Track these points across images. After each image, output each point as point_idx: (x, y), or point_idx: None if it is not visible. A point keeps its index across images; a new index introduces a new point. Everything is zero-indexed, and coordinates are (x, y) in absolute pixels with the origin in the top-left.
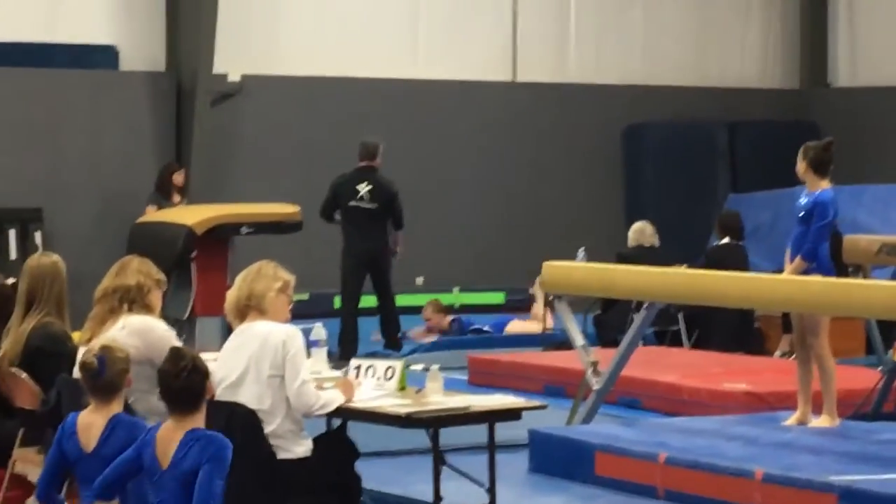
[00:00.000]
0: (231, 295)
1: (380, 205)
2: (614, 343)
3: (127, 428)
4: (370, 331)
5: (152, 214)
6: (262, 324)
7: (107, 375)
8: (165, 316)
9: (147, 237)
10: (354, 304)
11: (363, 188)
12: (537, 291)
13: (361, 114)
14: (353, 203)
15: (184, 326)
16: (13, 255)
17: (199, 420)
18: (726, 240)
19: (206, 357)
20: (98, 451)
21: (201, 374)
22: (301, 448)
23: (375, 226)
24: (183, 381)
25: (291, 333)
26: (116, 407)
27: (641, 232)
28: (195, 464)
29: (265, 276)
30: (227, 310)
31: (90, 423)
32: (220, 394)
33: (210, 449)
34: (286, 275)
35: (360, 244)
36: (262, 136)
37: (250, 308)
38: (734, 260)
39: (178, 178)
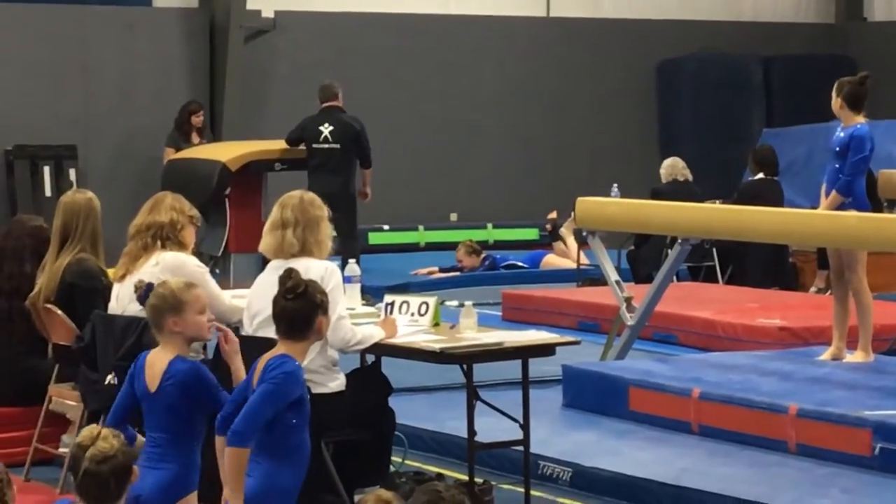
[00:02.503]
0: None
1: (343, 144)
2: (648, 279)
3: (185, 371)
4: (408, 267)
5: (187, 151)
6: (300, 261)
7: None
8: (200, 252)
9: (181, 174)
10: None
11: (325, 129)
12: (567, 229)
13: (394, 50)
14: (316, 145)
15: (218, 263)
16: (48, 191)
17: (297, 350)
18: (760, 175)
19: (237, 294)
20: (159, 391)
21: (310, 302)
22: (335, 383)
23: (338, 167)
24: (286, 304)
25: (330, 269)
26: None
27: (673, 167)
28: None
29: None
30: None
31: (154, 362)
32: (255, 328)
33: (272, 373)
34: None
35: (318, 187)
36: (296, 72)
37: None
38: (768, 195)
39: (197, 119)
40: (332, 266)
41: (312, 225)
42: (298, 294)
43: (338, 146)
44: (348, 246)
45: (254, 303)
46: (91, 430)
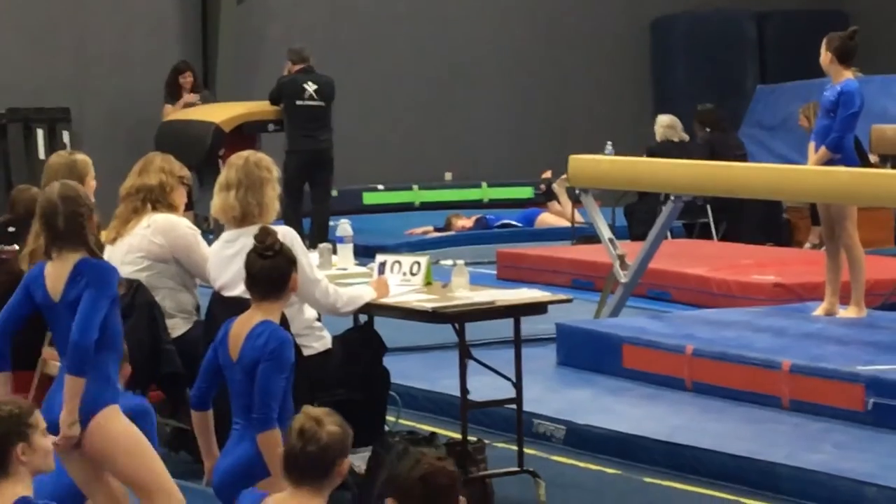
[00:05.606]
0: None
1: (327, 102)
2: (643, 237)
3: (91, 268)
4: (403, 226)
5: (182, 112)
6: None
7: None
8: (196, 213)
9: (175, 135)
10: (300, 204)
11: (309, 87)
12: (559, 186)
13: (388, 10)
14: (299, 102)
15: (213, 224)
16: (42, 155)
17: (275, 312)
18: (707, 130)
19: None
20: (64, 299)
21: (286, 259)
22: (319, 342)
23: (321, 124)
24: (264, 262)
25: (290, 235)
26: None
27: (671, 127)
28: (255, 358)
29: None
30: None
31: (55, 272)
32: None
33: (269, 346)
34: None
35: (307, 143)
36: (289, 33)
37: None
38: (724, 144)
39: (185, 80)
40: (290, 231)
41: (256, 187)
42: (277, 251)
43: (322, 104)
44: (324, 209)
45: (219, 277)
46: None
